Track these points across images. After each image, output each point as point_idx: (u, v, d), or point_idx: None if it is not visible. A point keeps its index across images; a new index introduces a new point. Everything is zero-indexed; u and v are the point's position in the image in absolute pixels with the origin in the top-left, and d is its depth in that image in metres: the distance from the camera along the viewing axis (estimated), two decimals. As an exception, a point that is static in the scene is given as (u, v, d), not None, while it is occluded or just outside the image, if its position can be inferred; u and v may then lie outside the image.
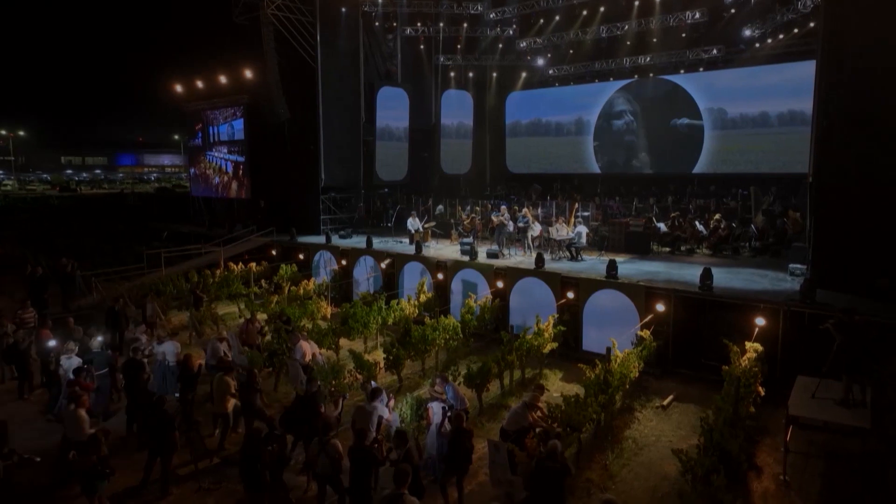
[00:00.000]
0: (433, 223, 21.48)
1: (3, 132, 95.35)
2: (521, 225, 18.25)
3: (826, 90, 12.47)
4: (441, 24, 26.42)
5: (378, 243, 19.64)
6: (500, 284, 15.34)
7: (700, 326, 12.64)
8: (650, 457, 9.24)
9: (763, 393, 9.73)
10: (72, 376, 9.61)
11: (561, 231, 17.75)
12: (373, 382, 9.04)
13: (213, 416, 9.97)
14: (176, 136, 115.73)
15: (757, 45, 22.55)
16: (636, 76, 26.54)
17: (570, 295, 14.00)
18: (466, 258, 16.77)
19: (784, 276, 14.14)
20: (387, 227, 24.50)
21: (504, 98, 30.97)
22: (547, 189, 28.55)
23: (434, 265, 17.11)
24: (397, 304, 15.25)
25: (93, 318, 14.86)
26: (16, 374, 12.58)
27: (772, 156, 22.66)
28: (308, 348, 11.33)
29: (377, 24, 25.46)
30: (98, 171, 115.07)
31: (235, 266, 19.96)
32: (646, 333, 11.96)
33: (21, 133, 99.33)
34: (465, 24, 26.95)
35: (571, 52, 27.83)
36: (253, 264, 20.44)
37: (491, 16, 26.36)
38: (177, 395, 10.31)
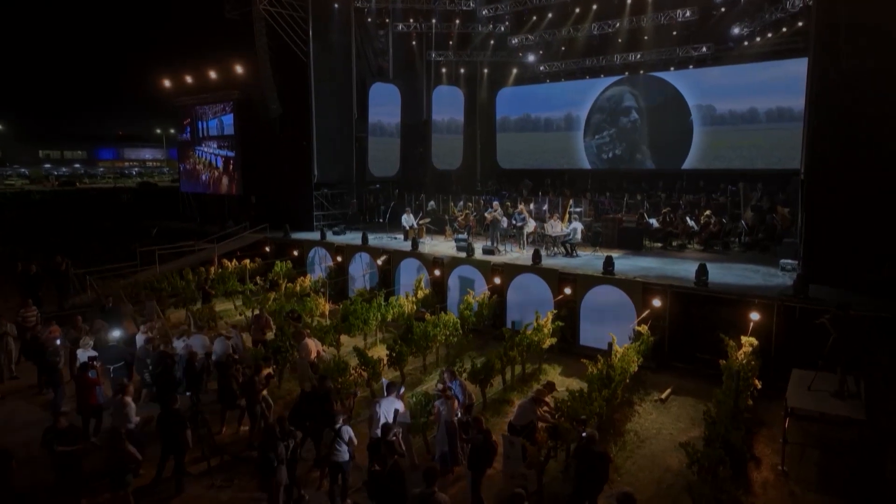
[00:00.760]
0: (428, 219, 21.58)
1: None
2: (517, 223, 18.37)
3: (818, 88, 12.77)
4: (433, 21, 26.41)
5: (372, 240, 19.71)
6: (497, 280, 15.50)
7: (695, 321, 12.93)
8: (653, 449, 9.49)
9: (760, 386, 10.02)
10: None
11: (555, 227, 17.97)
12: (384, 380, 9.15)
13: (220, 413, 10.07)
14: (158, 130, 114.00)
15: (745, 43, 22.90)
16: (627, 73, 26.79)
17: (568, 291, 14.21)
18: (463, 254, 16.91)
19: (775, 272, 14.47)
20: (379, 223, 24.56)
21: (495, 94, 31.08)
22: (538, 185, 28.76)
23: (431, 262, 17.23)
24: (396, 300, 15.37)
25: (86, 317, 14.77)
26: (14, 374, 12.59)
27: (760, 152, 23.04)
28: (313, 346, 11.41)
29: (369, 20, 25.41)
30: (77, 166, 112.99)
31: (229, 263, 19.93)
32: (643, 328, 12.20)
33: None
34: (458, 21, 26.99)
35: (563, 48, 27.99)
36: (247, 261, 20.41)
37: (484, 12, 26.42)
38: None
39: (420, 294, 15.96)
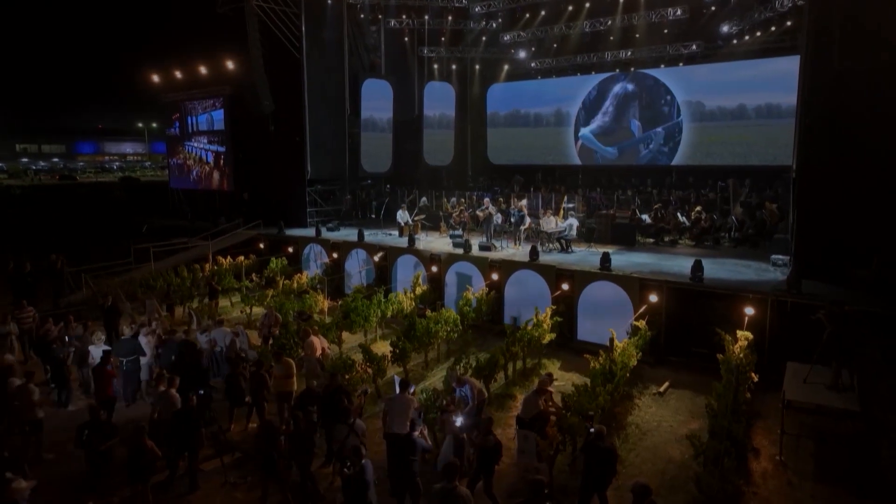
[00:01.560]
0: (423, 216, 21.67)
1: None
2: (514, 220, 18.53)
3: (810, 87, 13.06)
4: (426, 17, 26.46)
5: (367, 236, 19.76)
6: (494, 277, 15.68)
7: (690, 316, 13.22)
8: (654, 441, 9.75)
9: (756, 379, 10.33)
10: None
11: (550, 223, 18.17)
12: (395, 376, 9.30)
13: (229, 410, 10.17)
14: (139, 124, 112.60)
15: (735, 41, 23.29)
16: (617, 70, 27.07)
17: (566, 287, 14.44)
18: (460, 251, 17.05)
19: (767, 267, 14.82)
20: (372, 220, 24.63)
21: (486, 90, 31.22)
22: (529, 180, 28.96)
23: (428, 258, 17.35)
24: (395, 297, 15.51)
25: (82, 315, 14.71)
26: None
27: (748, 148, 23.47)
28: (318, 343, 11.51)
29: (362, 16, 25.39)
30: (56, 160, 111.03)
31: (224, 260, 19.88)
32: (641, 324, 12.47)
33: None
34: (450, 17, 27.06)
35: (555, 45, 28.19)
36: (241, 258, 20.37)
37: (477, 9, 26.52)
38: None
39: (418, 290, 16.11)
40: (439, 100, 29.72)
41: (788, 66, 20.59)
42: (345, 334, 14.09)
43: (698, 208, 19.91)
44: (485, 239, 18.13)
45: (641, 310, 12.94)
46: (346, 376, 10.54)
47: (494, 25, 27.79)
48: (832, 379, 9.43)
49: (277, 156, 24.27)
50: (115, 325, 13.59)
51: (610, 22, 24.62)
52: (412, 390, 8.66)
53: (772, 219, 18.48)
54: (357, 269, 19.02)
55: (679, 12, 22.98)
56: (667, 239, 19.14)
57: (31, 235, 27.81)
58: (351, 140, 25.28)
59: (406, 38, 27.52)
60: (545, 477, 7.37)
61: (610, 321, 13.04)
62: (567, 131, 28.89)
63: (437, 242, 19.21)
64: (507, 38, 27.77)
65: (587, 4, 24.51)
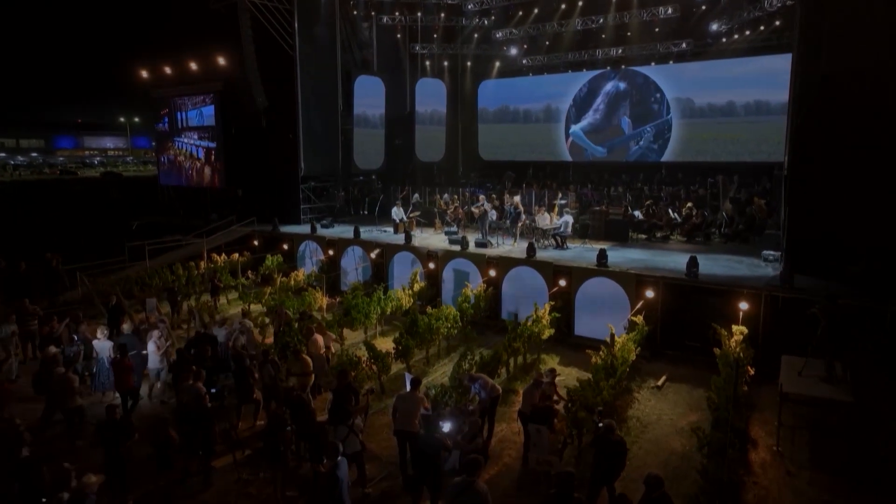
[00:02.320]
0: (418, 212, 21.77)
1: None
2: (510, 216, 18.72)
3: (802, 86, 13.32)
4: (419, 14, 26.51)
5: (362, 233, 19.81)
6: (492, 273, 15.88)
7: (685, 311, 13.52)
8: (656, 434, 10.01)
9: (752, 373, 10.64)
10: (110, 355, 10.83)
11: (545, 220, 18.39)
12: (407, 374, 9.44)
13: (236, 407, 10.27)
14: (121, 118, 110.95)
15: (724, 39, 23.64)
16: (608, 67, 27.32)
17: (563, 283, 14.67)
18: (456, 248, 17.20)
19: (758, 262, 15.16)
20: (365, 216, 24.68)
21: (477, 86, 31.30)
22: (520, 177, 29.17)
23: (425, 255, 17.48)
24: (394, 294, 15.63)
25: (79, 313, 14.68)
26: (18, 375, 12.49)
27: (737, 145, 23.84)
28: (321, 340, 11.61)
29: (355, 12, 25.37)
30: (35, 155, 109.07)
31: (219, 257, 19.85)
32: (639, 319, 12.73)
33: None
34: (443, 14, 27.13)
35: (547, 43, 28.37)
36: (236, 255, 20.35)
37: (470, 6, 26.61)
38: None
39: (416, 287, 16.24)
40: (431, 96, 29.77)
41: (777, 64, 21.03)
42: (345, 331, 14.19)
43: (689, 204, 20.24)
44: (480, 236, 18.29)
45: (639, 305, 13.20)
46: (353, 373, 10.67)
47: (487, 23, 27.89)
48: (826, 371, 9.75)
49: (270, 152, 24.21)
50: (119, 324, 13.57)
51: (602, 20, 24.85)
52: (422, 389, 8.80)
53: (760, 214, 18.87)
54: (353, 267, 19.10)
55: (670, 11, 23.27)
56: (659, 235, 19.45)
57: (17, 233, 27.42)
58: (344, 137, 25.27)
59: (398, 35, 27.54)
60: (557, 467, 7.55)
61: (607, 316, 13.28)
62: (558, 128, 29.09)
63: (432, 239, 19.32)
64: (499, 35, 27.89)
65: (580, 3, 24.72)
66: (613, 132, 27.25)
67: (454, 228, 19.71)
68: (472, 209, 20.16)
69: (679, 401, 11.39)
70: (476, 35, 28.60)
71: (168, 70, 28.89)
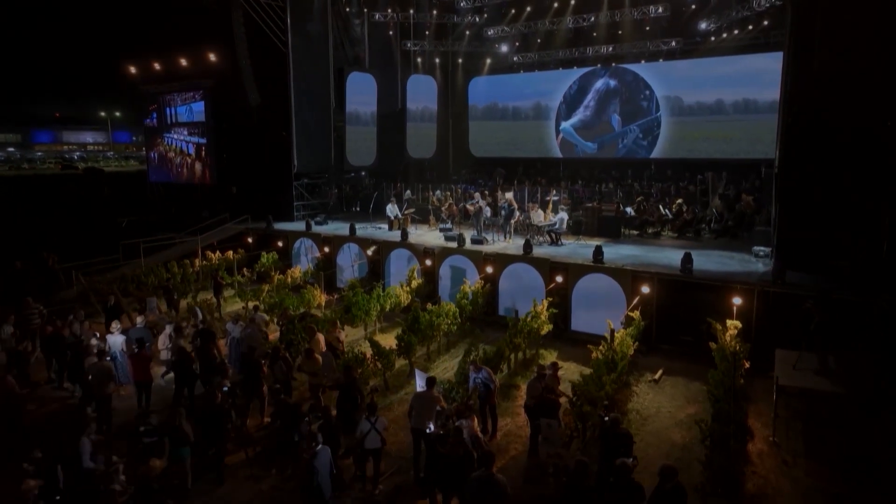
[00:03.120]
0: (412, 209, 21.87)
1: None
2: (504, 213, 18.89)
3: (793, 84, 13.65)
4: (411, 11, 26.55)
5: (358, 230, 19.88)
6: (489, 270, 16.06)
7: (679, 306, 13.83)
8: (656, 426, 10.29)
9: (748, 366, 10.95)
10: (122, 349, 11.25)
11: (539, 216, 18.61)
12: (417, 371, 9.60)
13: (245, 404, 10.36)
14: (102, 113, 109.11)
15: (713, 38, 24.00)
16: (598, 65, 27.58)
17: (559, 279, 14.90)
18: (453, 244, 17.36)
19: (749, 258, 15.52)
20: (357, 213, 24.71)
21: (468, 83, 31.40)
22: (511, 173, 29.35)
23: (421, 252, 17.61)
24: (392, 290, 15.76)
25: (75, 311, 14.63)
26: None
27: (726, 142, 24.23)
28: (323, 339, 11.73)
29: (348, 9, 25.35)
30: (12, 150, 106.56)
31: (213, 255, 19.81)
32: (636, 314, 13.01)
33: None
34: (436, 12, 27.20)
35: (538, 40, 28.55)
36: (230, 252, 20.32)
37: (462, 4, 26.71)
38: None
39: (413, 284, 16.39)
40: (422, 93, 29.81)
41: (765, 63, 21.43)
42: (346, 328, 14.28)
43: (679, 200, 20.55)
44: (475, 232, 18.44)
45: (635, 301, 13.48)
46: (359, 370, 10.83)
47: (479, 20, 28.00)
48: (819, 364, 10.09)
49: (262, 149, 24.16)
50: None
51: (594, 18, 25.11)
52: (437, 387, 8.96)
53: (749, 210, 19.25)
54: (349, 264, 19.17)
55: (661, 10, 23.57)
56: (650, 231, 19.75)
57: (5, 231, 27.04)
58: (336, 133, 25.27)
59: (390, 32, 27.56)
60: (567, 460, 7.78)
61: (603, 312, 13.52)
62: (548, 125, 29.30)
63: (427, 236, 19.46)
64: (491, 32, 28.03)
65: (572, 2, 24.94)
66: (603, 129, 27.53)
67: (449, 225, 19.85)
68: (468, 206, 20.31)
69: (676, 394, 11.69)
70: (468, 32, 28.69)
71: (157, 65, 28.63)
